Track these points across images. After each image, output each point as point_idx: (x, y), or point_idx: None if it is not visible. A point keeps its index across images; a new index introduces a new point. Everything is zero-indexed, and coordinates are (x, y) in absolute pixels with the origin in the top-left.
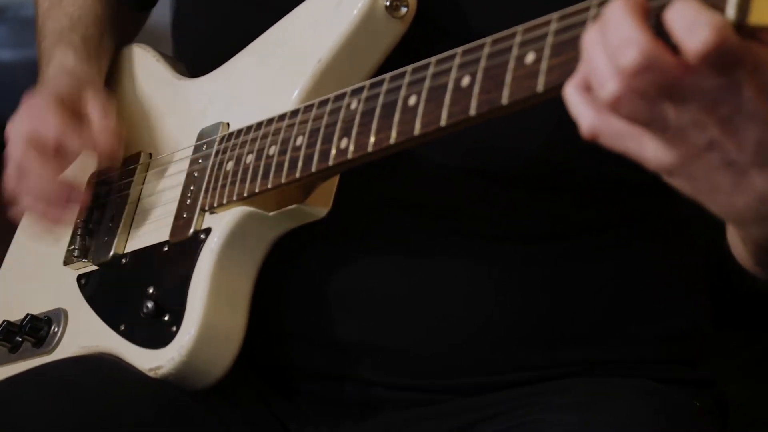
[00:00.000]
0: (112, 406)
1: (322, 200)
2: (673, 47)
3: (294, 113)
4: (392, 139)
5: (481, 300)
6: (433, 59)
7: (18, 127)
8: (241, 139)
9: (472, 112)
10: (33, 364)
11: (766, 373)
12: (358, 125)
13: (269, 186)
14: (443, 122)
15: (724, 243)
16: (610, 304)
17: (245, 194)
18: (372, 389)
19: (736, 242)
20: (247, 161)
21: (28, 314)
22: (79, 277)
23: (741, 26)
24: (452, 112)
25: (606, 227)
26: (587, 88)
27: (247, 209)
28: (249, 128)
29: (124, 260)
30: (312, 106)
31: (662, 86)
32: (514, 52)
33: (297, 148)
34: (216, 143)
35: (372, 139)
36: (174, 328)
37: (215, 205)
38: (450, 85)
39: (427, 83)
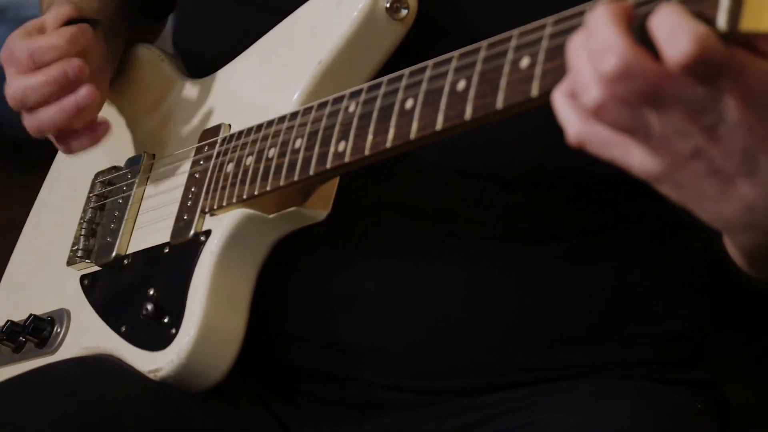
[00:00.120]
0: (113, 407)
1: (321, 203)
2: (658, 54)
3: (293, 115)
4: (389, 143)
5: (479, 301)
6: (430, 62)
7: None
8: (242, 140)
9: (468, 116)
10: (36, 365)
11: (766, 372)
12: (355, 128)
13: (268, 188)
14: (439, 126)
15: (722, 244)
16: (608, 306)
17: (245, 196)
18: (372, 390)
19: (730, 245)
20: (247, 163)
21: (31, 314)
22: (82, 278)
23: (733, 32)
24: (448, 116)
25: (603, 229)
26: (574, 95)
27: (247, 211)
28: (249, 130)
29: (126, 261)
30: (311, 108)
31: (644, 93)
32: (510, 56)
33: (296, 151)
34: (217, 145)
35: (369, 142)
36: (173, 330)
37: (215, 207)
38: (446, 89)
39: (423, 87)
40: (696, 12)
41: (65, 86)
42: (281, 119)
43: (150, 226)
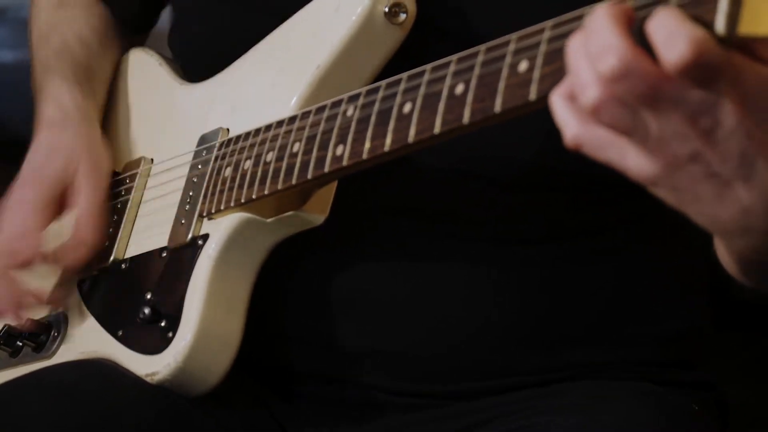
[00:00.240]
0: (111, 410)
1: (319, 207)
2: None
3: (291, 119)
4: (387, 147)
5: (479, 301)
6: (428, 66)
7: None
8: (240, 144)
9: (466, 120)
10: (33, 369)
11: (766, 373)
12: (353, 132)
13: (266, 192)
14: (437, 130)
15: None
16: (608, 306)
17: (243, 200)
18: (371, 392)
19: (722, 252)
20: (245, 167)
21: (28, 319)
22: (80, 282)
23: (731, 36)
24: (446, 119)
25: (602, 229)
26: (572, 97)
27: (244, 215)
28: (248, 134)
29: (123, 265)
30: (309, 112)
31: (642, 95)
32: (508, 60)
33: (294, 155)
34: (215, 149)
35: (367, 146)
36: (170, 334)
37: (213, 211)
38: (444, 93)
39: (422, 90)
40: (694, 16)
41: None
42: (279, 123)
43: (148, 230)
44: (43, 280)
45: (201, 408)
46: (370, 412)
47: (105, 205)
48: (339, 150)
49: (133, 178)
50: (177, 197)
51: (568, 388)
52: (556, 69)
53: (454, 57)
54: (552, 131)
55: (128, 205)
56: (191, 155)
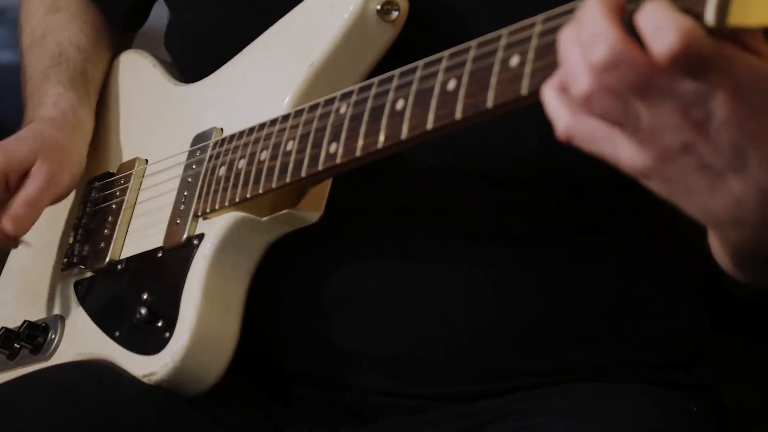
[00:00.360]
0: (109, 411)
1: (314, 205)
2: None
3: (285, 118)
4: (380, 144)
5: (476, 300)
6: (420, 63)
7: None
8: (234, 144)
9: (458, 115)
10: (31, 371)
11: (764, 373)
12: (347, 130)
13: (260, 191)
14: (430, 126)
15: (706, 246)
16: (606, 307)
17: (237, 199)
18: (368, 394)
19: (716, 245)
20: (239, 166)
21: (25, 321)
22: (76, 284)
23: (721, 27)
24: (438, 115)
25: (596, 227)
26: (564, 89)
27: (239, 215)
28: (242, 133)
29: (119, 266)
30: (302, 110)
31: (633, 84)
32: (499, 55)
33: (287, 153)
34: (209, 148)
35: (360, 144)
36: (167, 334)
37: (208, 210)
38: (436, 89)
39: (414, 87)
40: (684, 7)
41: None
42: (273, 122)
43: (143, 230)
44: None
45: (199, 409)
46: (368, 415)
47: (42, 207)
48: (332, 147)
49: (127, 179)
50: (172, 197)
51: (567, 389)
52: (547, 63)
53: (446, 53)
54: (543, 127)
55: (123, 206)
56: (185, 155)
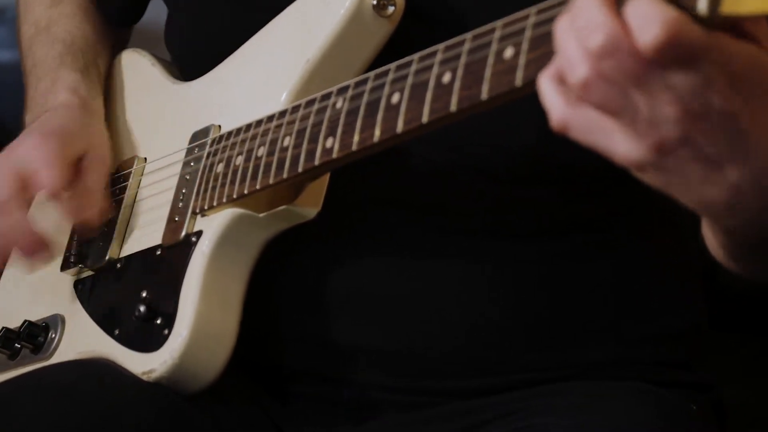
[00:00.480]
0: (109, 409)
1: (312, 201)
2: None
3: (282, 114)
4: (376, 137)
5: (473, 296)
6: (416, 56)
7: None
8: (231, 140)
9: (453, 108)
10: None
11: (764, 372)
12: (343, 124)
13: (258, 187)
14: (425, 119)
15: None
16: (603, 303)
17: (234, 196)
18: (367, 390)
19: (709, 236)
20: (237, 163)
21: (25, 321)
22: (76, 283)
23: (714, 16)
24: (434, 108)
25: (594, 224)
26: (560, 79)
27: (237, 211)
28: (239, 130)
29: (119, 265)
30: (299, 106)
31: (629, 72)
32: (494, 47)
33: (284, 149)
34: (207, 146)
35: (356, 138)
36: (166, 331)
37: (206, 207)
38: (431, 82)
39: (409, 80)
40: None
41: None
42: (270, 118)
43: (142, 229)
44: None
45: (199, 407)
46: (367, 412)
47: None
48: (329, 142)
49: (126, 177)
50: (170, 195)
51: (566, 388)
52: (541, 54)
53: (441, 46)
54: (540, 120)
55: (122, 205)
56: (184, 153)
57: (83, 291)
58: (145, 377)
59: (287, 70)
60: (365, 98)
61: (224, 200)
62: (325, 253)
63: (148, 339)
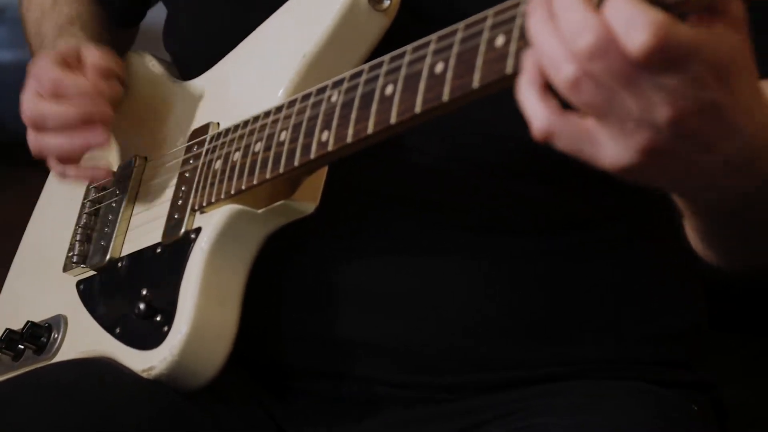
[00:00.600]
0: (109, 408)
1: (309, 195)
2: None
3: (278, 109)
4: (370, 129)
5: (470, 293)
6: (409, 47)
7: (25, 92)
8: (229, 137)
9: (445, 97)
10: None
11: (764, 372)
12: (338, 117)
13: (255, 182)
14: (418, 109)
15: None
16: (603, 302)
17: (232, 192)
18: (368, 386)
19: (689, 227)
20: (235, 159)
21: (28, 321)
22: (78, 283)
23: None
24: (426, 98)
25: (591, 222)
26: (541, 87)
27: (235, 207)
28: (237, 126)
29: (120, 264)
30: (295, 100)
31: (619, 74)
32: (485, 35)
33: (281, 144)
34: (206, 143)
35: (351, 131)
36: (165, 328)
37: (204, 204)
38: (424, 72)
39: (403, 71)
40: None
41: (82, 125)
42: (267, 113)
43: (143, 227)
44: None
45: (199, 406)
46: (367, 409)
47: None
48: (324, 136)
49: (128, 176)
50: (170, 193)
51: (567, 388)
52: None
53: (434, 36)
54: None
55: (123, 204)
56: (183, 151)
57: (85, 291)
58: (145, 375)
59: (284, 66)
60: (360, 90)
61: (222, 196)
62: (323, 250)
63: (148, 336)
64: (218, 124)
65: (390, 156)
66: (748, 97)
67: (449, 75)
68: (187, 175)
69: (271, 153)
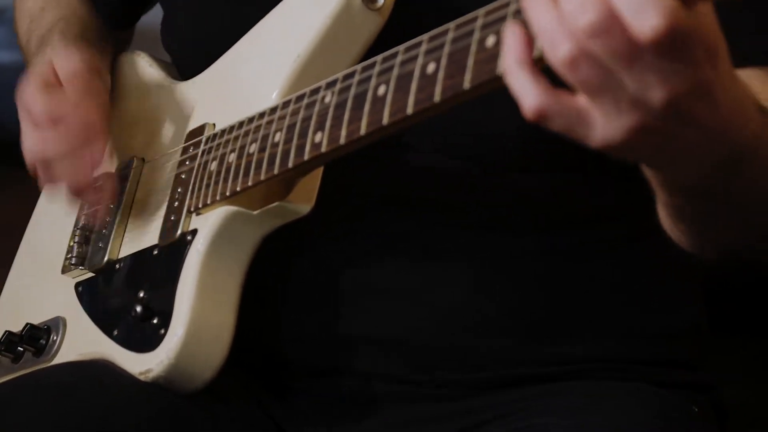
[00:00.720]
0: (107, 410)
1: (304, 196)
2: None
3: (273, 110)
4: (362, 130)
5: (469, 292)
6: (401, 47)
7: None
8: (224, 138)
9: (437, 98)
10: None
11: (764, 372)
12: (331, 118)
13: (250, 184)
14: (410, 110)
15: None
16: (602, 302)
17: (228, 193)
18: (367, 383)
19: (662, 206)
20: (230, 160)
21: (27, 324)
22: (77, 285)
23: None
24: (418, 99)
25: (590, 222)
26: (529, 64)
27: (231, 209)
28: (232, 127)
29: (117, 266)
30: (290, 101)
31: (619, 54)
32: (476, 35)
33: (275, 145)
34: (202, 144)
35: (344, 132)
36: (162, 331)
37: (200, 205)
38: (416, 73)
39: (395, 72)
40: None
41: (80, 141)
42: (261, 115)
43: (140, 229)
44: None
45: (198, 406)
46: (368, 408)
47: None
48: (317, 137)
49: (125, 178)
50: (167, 195)
51: (567, 388)
52: None
53: (426, 36)
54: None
55: (121, 206)
56: (179, 152)
57: (83, 293)
58: (142, 377)
59: (278, 67)
60: (352, 91)
61: (218, 198)
62: (319, 251)
63: (145, 339)
64: (214, 125)
65: (384, 156)
66: (727, 74)
67: (440, 75)
68: (183, 176)
69: (266, 154)
